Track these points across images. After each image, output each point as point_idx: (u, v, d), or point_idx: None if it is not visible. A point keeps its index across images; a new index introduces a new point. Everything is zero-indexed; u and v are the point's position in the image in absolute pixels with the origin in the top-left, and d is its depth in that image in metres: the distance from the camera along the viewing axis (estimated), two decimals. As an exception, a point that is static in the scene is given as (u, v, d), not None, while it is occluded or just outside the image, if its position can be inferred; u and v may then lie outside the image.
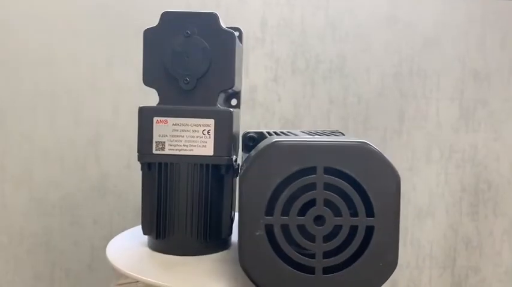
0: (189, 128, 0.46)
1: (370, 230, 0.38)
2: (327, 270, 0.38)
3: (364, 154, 0.38)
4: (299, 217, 0.37)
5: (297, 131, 0.57)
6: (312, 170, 0.37)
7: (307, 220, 0.38)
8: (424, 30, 0.97)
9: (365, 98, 0.96)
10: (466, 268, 1.00)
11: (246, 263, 0.39)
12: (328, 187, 0.37)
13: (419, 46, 0.97)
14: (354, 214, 0.38)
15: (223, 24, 0.50)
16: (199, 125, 0.46)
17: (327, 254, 0.38)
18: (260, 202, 0.37)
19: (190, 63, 0.47)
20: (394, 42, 0.96)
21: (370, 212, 0.38)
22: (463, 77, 0.98)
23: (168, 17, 0.49)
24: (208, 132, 0.46)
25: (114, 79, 0.88)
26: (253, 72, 0.92)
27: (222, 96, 0.54)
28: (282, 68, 0.93)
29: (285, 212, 0.37)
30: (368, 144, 0.39)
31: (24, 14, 0.86)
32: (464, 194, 1.00)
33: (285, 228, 0.38)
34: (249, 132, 0.53)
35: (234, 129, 0.49)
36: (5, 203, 0.86)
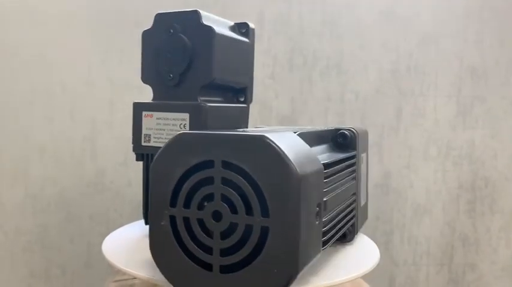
0: (169, 122, 0.49)
1: (265, 232, 0.34)
2: (225, 268, 0.36)
3: (261, 148, 0.34)
4: (199, 211, 0.36)
5: (281, 127, 0.59)
6: (212, 163, 0.36)
7: (205, 214, 0.36)
8: (421, 27, 0.97)
9: (362, 95, 0.96)
10: (463, 265, 1.00)
11: (154, 253, 0.38)
12: (227, 181, 0.35)
13: (417, 43, 0.97)
14: (252, 212, 0.35)
15: (224, 20, 0.52)
16: (177, 119, 0.48)
17: (225, 252, 0.36)
18: (165, 192, 0.37)
19: (172, 60, 0.49)
20: (392, 38, 0.96)
21: (265, 212, 0.34)
22: (460, 74, 0.98)
23: (159, 18, 0.52)
24: (184, 126, 0.48)
25: (110, 76, 0.88)
26: (251, 68, 0.92)
27: (220, 91, 0.54)
28: (279, 64, 0.93)
29: (187, 204, 0.37)
30: (267, 138, 0.34)
31: (19, 10, 0.85)
32: (462, 191, 1.00)
33: (186, 221, 0.37)
34: None
35: (212, 123, 0.49)
36: (0, 200, 0.86)
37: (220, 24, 0.53)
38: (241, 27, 0.56)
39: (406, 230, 0.99)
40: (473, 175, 1.00)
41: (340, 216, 0.47)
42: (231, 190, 0.35)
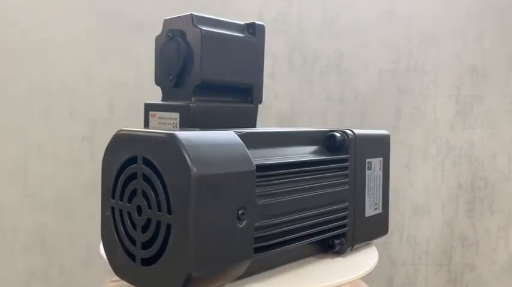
0: (165, 121, 0.51)
1: (169, 229, 0.35)
2: (145, 261, 0.37)
3: (168, 147, 0.34)
4: (128, 204, 0.38)
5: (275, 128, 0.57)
6: (136, 159, 0.38)
7: (132, 208, 0.38)
8: (421, 27, 0.96)
9: (362, 95, 0.96)
10: (462, 265, 1.00)
11: (103, 241, 0.41)
12: (146, 178, 0.37)
13: (417, 42, 0.97)
14: (161, 209, 0.36)
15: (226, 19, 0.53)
16: (170, 118, 0.50)
17: (145, 245, 0.37)
18: (108, 184, 0.40)
19: (170, 63, 0.51)
20: (392, 38, 0.96)
21: (170, 210, 0.35)
22: (460, 73, 0.98)
23: (165, 23, 0.54)
24: (176, 125, 0.50)
25: (109, 75, 0.88)
26: (250, 68, 0.91)
27: (221, 91, 0.53)
28: (278, 64, 0.93)
29: (121, 197, 0.39)
30: (174, 136, 0.34)
31: (18, 8, 0.85)
32: (461, 191, 1.00)
33: (121, 212, 0.39)
34: None
35: (202, 123, 0.50)
36: (-1, 199, 0.86)
37: (221, 26, 0.53)
38: (250, 27, 0.56)
39: (405, 230, 0.99)
40: (473, 175, 1.00)
41: (305, 223, 0.45)
42: (148, 186, 0.36)
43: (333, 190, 0.49)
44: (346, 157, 0.50)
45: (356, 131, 0.52)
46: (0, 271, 0.87)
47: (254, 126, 0.56)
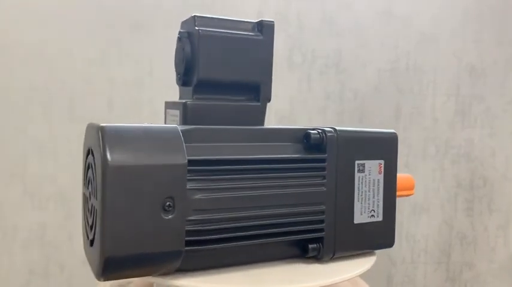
0: (173, 118, 0.53)
1: (96, 214, 0.38)
2: (91, 242, 0.40)
3: (98, 138, 0.37)
4: (88, 191, 0.42)
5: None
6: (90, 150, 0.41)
7: (89, 193, 0.41)
8: (420, 26, 0.97)
9: (361, 94, 0.96)
10: (460, 264, 1.01)
11: (82, 226, 0.44)
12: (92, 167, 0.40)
13: (416, 41, 0.97)
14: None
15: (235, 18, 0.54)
16: (175, 115, 0.53)
17: (91, 228, 0.40)
18: (83, 174, 0.44)
19: (178, 63, 0.55)
20: (391, 37, 0.96)
21: (96, 196, 0.38)
22: (459, 73, 0.98)
23: (181, 24, 0.56)
24: (177, 122, 0.53)
25: (109, 73, 0.88)
26: (249, 67, 0.92)
27: (226, 90, 0.54)
28: (278, 62, 0.93)
29: (86, 185, 0.43)
30: (101, 128, 0.37)
31: (17, 7, 0.85)
32: (460, 190, 1.00)
33: (86, 198, 0.43)
34: None
35: (197, 120, 0.51)
36: (-1, 197, 0.86)
37: (226, 26, 0.54)
38: (258, 26, 0.57)
39: (404, 229, 0.99)
40: (472, 174, 1.00)
41: (262, 222, 0.44)
42: (91, 175, 0.40)
43: (302, 190, 0.46)
44: (323, 156, 0.47)
45: (340, 130, 0.48)
46: (0, 269, 0.87)
47: (261, 124, 0.55)
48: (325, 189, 0.47)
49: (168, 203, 0.38)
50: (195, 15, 0.53)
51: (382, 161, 0.51)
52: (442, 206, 1.00)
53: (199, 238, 0.40)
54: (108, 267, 0.37)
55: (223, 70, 0.53)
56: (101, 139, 0.36)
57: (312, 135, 0.47)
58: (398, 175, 0.54)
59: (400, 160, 0.99)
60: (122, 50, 0.87)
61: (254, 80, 0.55)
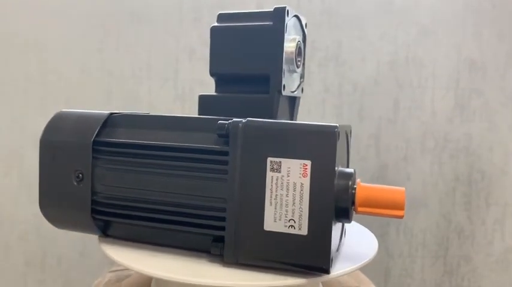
0: None
1: None
2: None
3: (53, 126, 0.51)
4: None
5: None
6: None
7: None
8: (420, 19, 0.96)
9: (360, 87, 0.95)
10: (458, 257, 1.01)
11: None
12: None
13: (415, 35, 0.96)
14: None
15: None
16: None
17: None
18: None
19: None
20: (390, 30, 0.95)
21: None
22: (458, 66, 0.98)
23: None
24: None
25: (106, 65, 0.87)
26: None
27: (241, 82, 0.54)
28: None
29: None
30: (57, 113, 0.52)
31: (14, -4, 0.84)
32: (458, 184, 1.00)
33: None
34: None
35: (208, 111, 0.54)
36: (-4, 189, 0.85)
37: (241, 19, 0.53)
38: (270, 14, 0.54)
39: (401, 223, 0.99)
40: (470, 168, 1.00)
41: (162, 207, 0.45)
42: None
43: (204, 182, 0.44)
44: (226, 149, 0.43)
45: (250, 121, 0.43)
46: (-3, 261, 0.86)
47: (271, 116, 0.51)
48: (227, 184, 0.42)
49: (78, 173, 0.48)
50: (219, 13, 0.55)
51: (308, 162, 0.40)
52: (440, 200, 1.00)
53: (107, 209, 0.48)
54: (45, 217, 0.52)
55: (231, 63, 0.54)
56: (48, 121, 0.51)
57: (218, 126, 0.43)
58: (385, 187, 0.43)
59: (399, 154, 0.99)
60: (119, 40, 0.86)
61: (263, 72, 0.53)
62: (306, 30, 0.58)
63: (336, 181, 0.40)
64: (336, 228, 0.44)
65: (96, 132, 0.48)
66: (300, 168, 0.41)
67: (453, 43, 0.97)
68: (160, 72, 0.89)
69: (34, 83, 0.85)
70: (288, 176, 0.41)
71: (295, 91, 0.57)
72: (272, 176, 0.41)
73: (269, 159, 0.41)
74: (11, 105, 0.85)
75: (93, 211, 0.48)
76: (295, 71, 0.55)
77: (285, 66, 0.52)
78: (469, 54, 0.98)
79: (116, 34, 0.86)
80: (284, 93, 0.52)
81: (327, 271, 0.41)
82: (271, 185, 0.41)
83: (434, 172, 0.99)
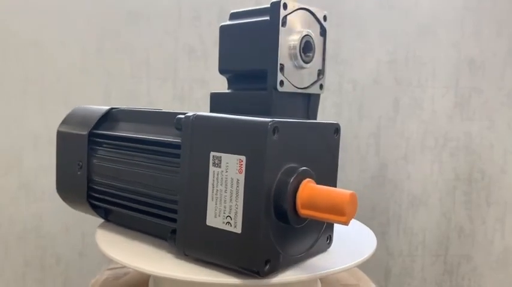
0: None
1: None
2: None
3: None
4: None
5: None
6: None
7: None
8: (419, 18, 0.96)
9: (360, 85, 0.95)
10: (458, 256, 1.01)
11: None
12: None
13: (415, 33, 0.96)
14: None
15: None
16: None
17: None
18: None
19: None
20: (390, 29, 0.95)
21: None
22: (458, 65, 0.98)
23: None
24: None
25: (105, 65, 0.87)
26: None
27: (246, 79, 0.53)
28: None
29: None
30: (74, 110, 0.58)
31: (12, -5, 0.84)
32: (458, 183, 1.00)
33: None
34: None
35: (218, 108, 0.55)
36: (-6, 189, 0.85)
37: (248, 15, 0.53)
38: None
39: (402, 221, 0.99)
40: (470, 167, 1.00)
41: (136, 196, 0.48)
42: None
43: (159, 174, 0.45)
44: (177, 142, 0.43)
45: (199, 115, 0.42)
46: (-4, 261, 0.86)
47: (268, 112, 0.50)
48: (178, 178, 0.42)
49: (79, 163, 0.53)
50: (231, 12, 0.55)
51: (243, 157, 0.38)
52: (440, 199, 0.99)
53: (99, 196, 0.52)
54: (59, 196, 0.57)
55: (237, 60, 0.54)
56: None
57: (176, 120, 0.43)
58: (331, 189, 0.39)
59: (399, 153, 0.99)
60: (118, 39, 0.86)
61: (260, 68, 0.52)
62: (324, 23, 0.55)
63: (276, 178, 0.38)
64: (284, 228, 0.40)
65: (93, 125, 0.53)
66: (237, 164, 0.39)
67: (453, 42, 0.97)
68: (160, 72, 0.89)
69: (33, 83, 0.85)
70: (227, 171, 0.39)
71: (307, 87, 0.54)
72: (214, 171, 0.40)
73: (211, 153, 0.40)
74: (10, 105, 0.85)
75: (89, 197, 0.53)
76: (304, 67, 0.52)
77: (288, 62, 0.51)
78: (468, 53, 0.98)
79: (115, 34, 0.86)
80: (283, 89, 0.50)
81: (260, 274, 0.38)
82: (213, 180, 0.40)
83: (435, 170, 0.99)
